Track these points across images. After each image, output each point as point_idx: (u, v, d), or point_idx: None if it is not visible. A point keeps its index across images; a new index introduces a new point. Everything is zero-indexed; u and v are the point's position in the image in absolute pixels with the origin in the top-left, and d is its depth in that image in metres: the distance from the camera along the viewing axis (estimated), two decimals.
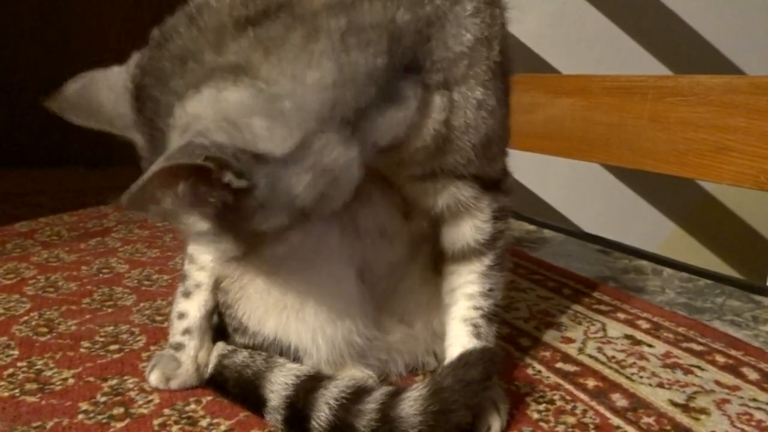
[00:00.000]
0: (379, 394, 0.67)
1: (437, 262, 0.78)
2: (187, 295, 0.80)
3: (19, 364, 0.85)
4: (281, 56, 0.53)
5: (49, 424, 0.71)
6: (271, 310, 0.77)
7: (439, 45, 0.62)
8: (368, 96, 0.57)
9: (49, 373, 0.83)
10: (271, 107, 0.53)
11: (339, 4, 0.55)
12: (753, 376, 0.89)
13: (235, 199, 0.54)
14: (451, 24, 0.62)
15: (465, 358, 0.67)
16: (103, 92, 0.61)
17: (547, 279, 1.31)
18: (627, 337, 1.02)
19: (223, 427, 0.71)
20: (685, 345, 0.99)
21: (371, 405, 0.66)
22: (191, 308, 0.80)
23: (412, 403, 0.64)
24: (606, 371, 0.89)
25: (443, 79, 0.63)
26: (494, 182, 0.73)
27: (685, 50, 2.46)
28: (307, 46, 0.54)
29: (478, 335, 0.74)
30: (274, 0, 0.55)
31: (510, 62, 0.69)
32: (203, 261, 0.79)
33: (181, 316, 0.80)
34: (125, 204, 0.50)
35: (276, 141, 0.53)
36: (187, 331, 0.79)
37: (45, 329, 0.97)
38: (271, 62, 0.53)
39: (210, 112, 0.52)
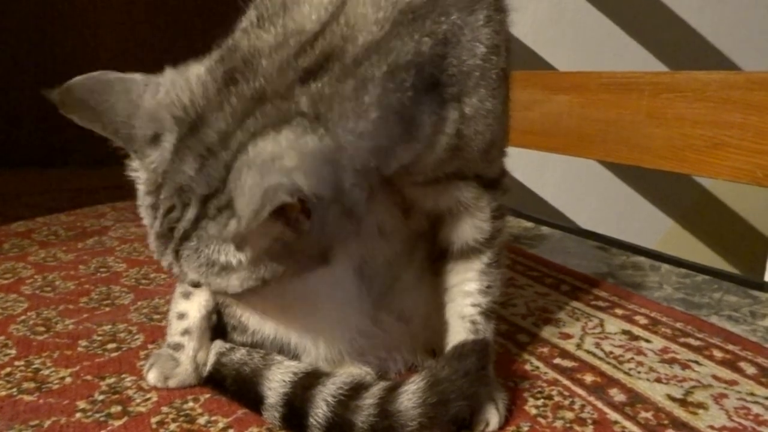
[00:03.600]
0: (376, 389, 0.67)
1: (435, 259, 0.78)
2: (186, 295, 0.80)
3: (16, 363, 0.85)
4: (342, 110, 0.56)
5: (47, 423, 0.71)
6: (270, 310, 0.77)
7: (455, 60, 0.62)
8: (396, 134, 0.60)
9: (46, 372, 0.83)
10: (335, 157, 0.56)
11: (376, 47, 0.57)
12: (750, 370, 0.90)
13: (293, 238, 0.55)
14: (466, 37, 0.63)
15: (459, 350, 0.68)
16: (118, 99, 0.59)
17: (545, 276, 1.31)
18: (625, 332, 1.02)
19: (221, 425, 0.71)
20: (682, 340, 0.99)
21: (369, 400, 0.66)
22: (191, 309, 0.79)
23: (410, 396, 0.64)
24: (604, 367, 0.89)
25: (457, 91, 0.63)
26: (493, 181, 0.73)
27: (682, 46, 2.47)
28: (359, 98, 0.57)
29: (476, 332, 0.74)
30: (322, 52, 0.57)
31: (510, 65, 0.69)
32: None
33: (181, 316, 0.80)
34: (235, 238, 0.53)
35: (333, 187, 0.55)
36: (186, 332, 0.79)
37: (42, 328, 0.96)
38: (335, 115, 0.56)
39: (290, 155, 0.53)
